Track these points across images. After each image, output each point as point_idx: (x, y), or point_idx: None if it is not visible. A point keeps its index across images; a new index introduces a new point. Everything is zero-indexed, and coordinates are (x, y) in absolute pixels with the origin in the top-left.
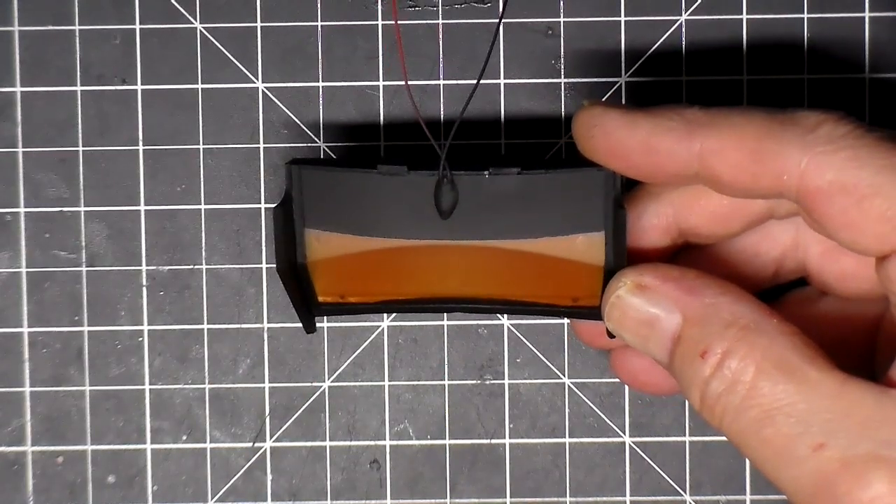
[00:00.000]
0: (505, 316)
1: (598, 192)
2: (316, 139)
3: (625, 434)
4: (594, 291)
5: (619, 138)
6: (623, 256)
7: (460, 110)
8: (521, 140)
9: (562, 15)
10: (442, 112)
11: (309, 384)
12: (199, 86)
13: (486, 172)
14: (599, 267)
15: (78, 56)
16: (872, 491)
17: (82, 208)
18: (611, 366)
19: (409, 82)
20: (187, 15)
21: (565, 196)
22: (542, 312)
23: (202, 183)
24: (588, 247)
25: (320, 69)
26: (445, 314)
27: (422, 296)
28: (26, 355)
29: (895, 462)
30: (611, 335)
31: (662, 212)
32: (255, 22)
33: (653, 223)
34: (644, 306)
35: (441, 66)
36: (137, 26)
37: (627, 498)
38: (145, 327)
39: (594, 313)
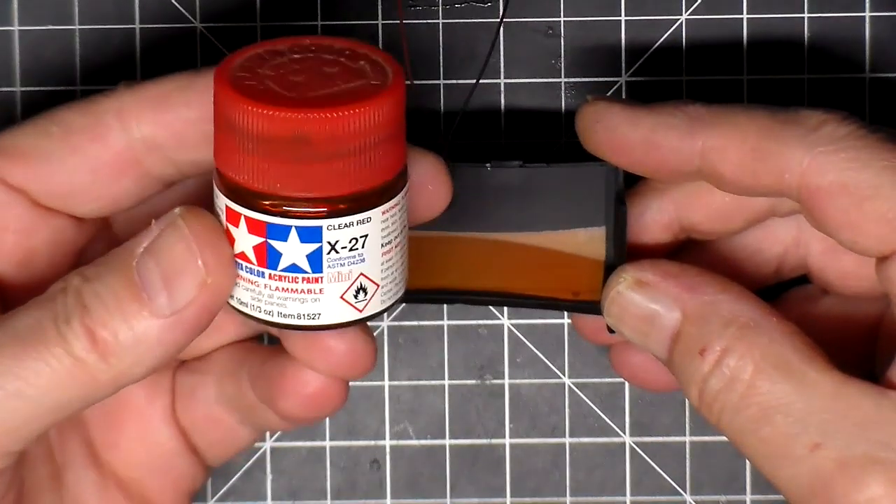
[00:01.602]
0: (505, 316)
1: (600, 187)
2: None
3: (625, 434)
4: (594, 286)
5: (621, 134)
6: (623, 252)
7: (460, 109)
8: (521, 140)
9: (562, 14)
10: (442, 111)
11: None
12: None
13: (487, 165)
14: (600, 262)
15: (78, 56)
16: (869, 492)
17: None
18: (611, 361)
19: (410, 82)
20: (187, 15)
21: (567, 190)
22: (541, 306)
23: None
24: (589, 241)
25: None
26: (445, 312)
27: (422, 287)
28: None
29: (892, 464)
30: (611, 330)
31: (664, 208)
32: (255, 22)
33: (654, 219)
34: (644, 302)
35: (441, 65)
36: (137, 26)
37: (628, 498)
38: None
39: (594, 308)
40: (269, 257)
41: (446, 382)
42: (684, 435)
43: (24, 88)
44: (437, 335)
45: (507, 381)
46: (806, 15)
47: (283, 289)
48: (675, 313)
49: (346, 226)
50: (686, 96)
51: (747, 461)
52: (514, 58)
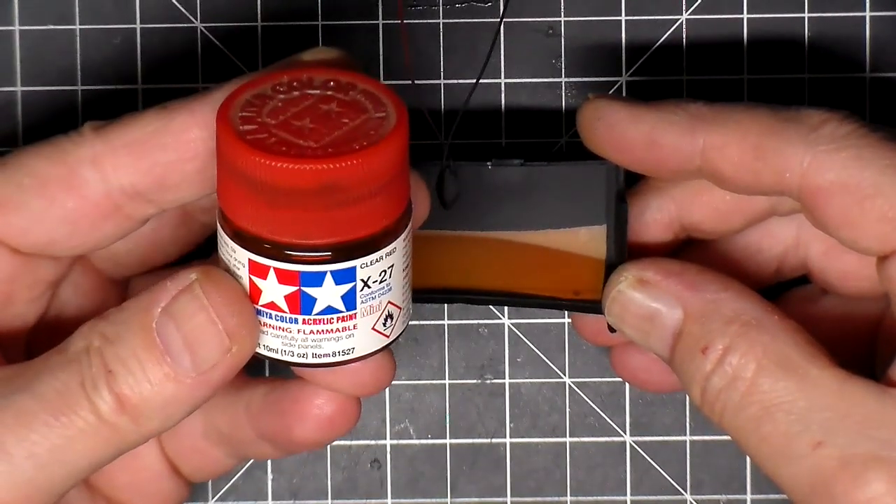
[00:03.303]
0: (506, 315)
1: (601, 186)
2: None
3: (625, 433)
4: (595, 285)
5: (622, 131)
6: (624, 251)
7: (460, 108)
8: (521, 139)
9: (562, 14)
10: (443, 111)
11: None
12: (200, 85)
13: (488, 163)
14: (601, 260)
15: (78, 56)
16: (870, 491)
17: None
18: (611, 363)
19: (411, 82)
20: (188, 14)
21: (568, 189)
22: (542, 305)
23: None
24: (590, 240)
25: None
26: (446, 312)
27: (423, 286)
28: None
29: (894, 462)
30: (612, 329)
31: (665, 206)
32: (256, 21)
33: (655, 218)
34: (645, 301)
35: (442, 65)
36: (138, 26)
37: (628, 497)
38: None
39: (595, 307)
40: (302, 304)
41: (447, 382)
42: (685, 434)
43: (24, 88)
44: (438, 334)
45: (507, 381)
46: (806, 15)
47: (318, 331)
48: (677, 312)
49: (377, 261)
50: (686, 96)
51: (748, 461)
52: (514, 57)
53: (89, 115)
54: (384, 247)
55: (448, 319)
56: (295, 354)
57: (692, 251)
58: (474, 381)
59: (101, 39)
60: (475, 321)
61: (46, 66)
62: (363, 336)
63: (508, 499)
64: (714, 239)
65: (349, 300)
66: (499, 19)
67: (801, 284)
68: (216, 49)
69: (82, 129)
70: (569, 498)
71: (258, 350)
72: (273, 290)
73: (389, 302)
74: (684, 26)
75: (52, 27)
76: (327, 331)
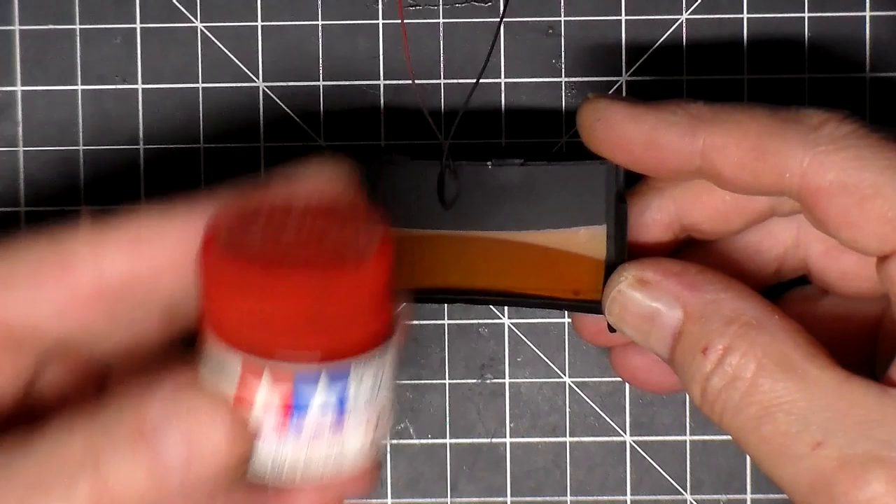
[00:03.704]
0: (506, 315)
1: (601, 186)
2: (317, 138)
3: (625, 433)
4: (595, 285)
5: (622, 131)
6: (624, 250)
7: (460, 108)
8: (521, 139)
9: (562, 14)
10: (443, 111)
11: None
12: (200, 85)
13: (488, 163)
14: (601, 261)
15: (78, 55)
16: (870, 491)
17: (82, 208)
18: (611, 363)
19: (412, 82)
20: (188, 14)
21: (567, 189)
22: (542, 305)
23: (202, 182)
24: (590, 240)
25: (321, 68)
26: (446, 312)
27: (422, 286)
28: None
29: (894, 462)
30: (612, 329)
31: (665, 206)
32: (256, 21)
33: (655, 218)
34: (645, 301)
35: (442, 64)
36: (138, 25)
37: (628, 497)
38: None
39: (595, 307)
40: (294, 408)
41: (447, 382)
42: (685, 434)
43: (24, 88)
44: (438, 334)
45: (507, 381)
46: (806, 14)
47: (308, 435)
48: (677, 311)
49: (369, 366)
50: (686, 96)
51: (748, 461)
52: (514, 57)
53: (89, 116)
54: (377, 352)
55: (448, 319)
56: (287, 463)
57: (692, 251)
58: (474, 381)
59: (101, 39)
60: (475, 321)
61: (47, 65)
62: (352, 441)
63: (508, 499)
64: (714, 239)
65: (340, 406)
66: (499, 19)
67: (801, 284)
68: (216, 48)
69: (80, 221)
70: (569, 498)
71: (251, 463)
72: (262, 396)
73: (381, 405)
74: (684, 26)
75: (52, 27)
76: (318, 434)
